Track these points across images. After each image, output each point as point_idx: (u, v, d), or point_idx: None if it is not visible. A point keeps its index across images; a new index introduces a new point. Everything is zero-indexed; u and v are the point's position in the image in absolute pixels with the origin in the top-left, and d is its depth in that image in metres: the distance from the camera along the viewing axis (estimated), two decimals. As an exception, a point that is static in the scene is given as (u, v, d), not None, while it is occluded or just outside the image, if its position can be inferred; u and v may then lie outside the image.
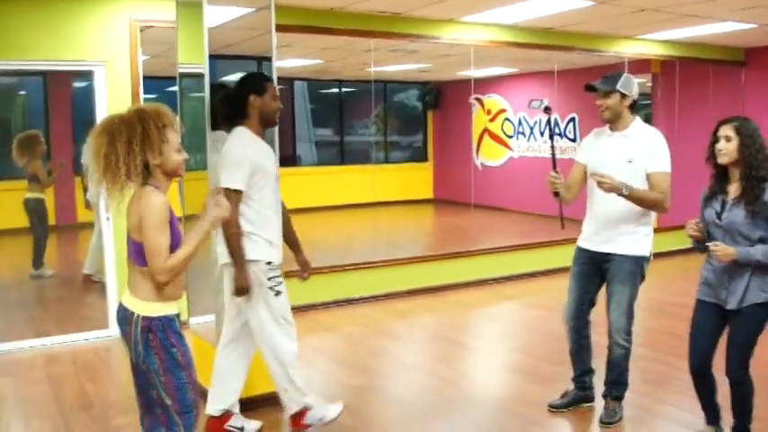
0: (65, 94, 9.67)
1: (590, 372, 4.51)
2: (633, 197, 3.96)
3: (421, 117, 15.92)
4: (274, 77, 4.46)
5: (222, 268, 4.07)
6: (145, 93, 6.22)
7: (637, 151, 4.08)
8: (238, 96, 4.00)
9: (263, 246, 3.97)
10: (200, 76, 4.31)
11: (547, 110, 4.37)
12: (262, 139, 4.02)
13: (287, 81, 13.72)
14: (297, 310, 6.74)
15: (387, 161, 15.38)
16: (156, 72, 8.53)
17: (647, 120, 10.81)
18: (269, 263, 3.98)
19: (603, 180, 3.89)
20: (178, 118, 2.97)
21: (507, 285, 8.15)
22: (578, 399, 4.50)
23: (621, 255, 4.14)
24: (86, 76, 6.16)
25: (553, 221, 4.48)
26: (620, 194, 3.92)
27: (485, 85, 13.50)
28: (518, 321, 6.96)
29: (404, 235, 11.52)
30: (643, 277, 4.22)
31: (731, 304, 3.60)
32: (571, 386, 4.54)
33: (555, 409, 4.47)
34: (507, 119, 13.37)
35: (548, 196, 4.32)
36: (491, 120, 13.73)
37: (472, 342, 6.25)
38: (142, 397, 2.96)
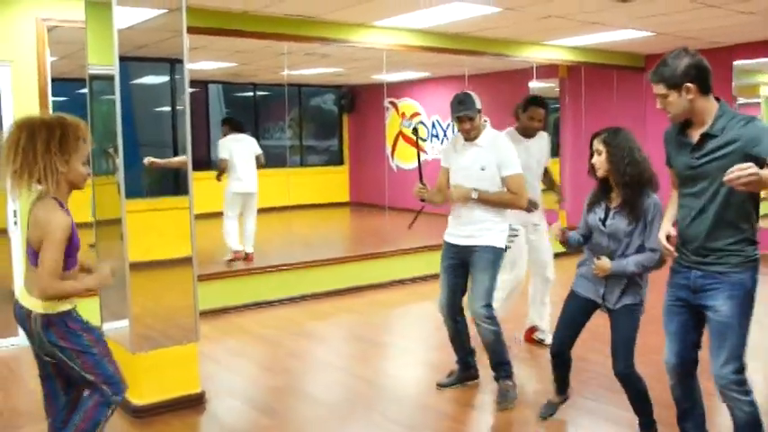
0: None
1: (471, 352, 4.94)
2: (484, 200, 4.52)
3: (336, 121, 15.98)
4: (186, 80, 4.45)
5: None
6: (55, 95, 6.08)
7: (488, 159, 4.55)
8: (516, 109, 5.61)
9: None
10: (111, 77, 4.27)
11: (415, 131, 5.18)
12: (525, 139, 5.52)
13: (201, 84, 13.56)
14: (213, 313, 6.78)
15: (303, 165, 15.38)
16: (66, 74, 8.33)
17: (555, 123, 11.19)
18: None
19: (455, 193, 4.57)
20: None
21: (423, 285, 8.27)
22: (463, 377, 4.94)
23: (482, 246, 4.56)
24: (-8, 76, 5.97)
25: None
26: (471, 199, 4.50)
27: (399, 88, 13.67)
28: (434, 319, 7.05)
29: (320, 238, 11.55)
30: (499, 267, 4.66)
31: (609, 303, 3.83)
32: (456, 366, 4.96)
33: (442, 386, 4.89)
34: (421, 122, 13.57)
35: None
36: (405, 123, 13.92)
37: (390, 341, 6.34)
38: (59, 379, 3.19)
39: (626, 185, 3.67)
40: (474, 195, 4.49)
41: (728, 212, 3.13)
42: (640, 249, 3.72)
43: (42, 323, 2.98)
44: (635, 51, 10.30)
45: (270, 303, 7.31)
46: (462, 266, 4.67)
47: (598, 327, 4.05)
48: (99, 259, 4.71)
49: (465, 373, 4.94)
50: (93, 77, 4.74)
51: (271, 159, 14.73)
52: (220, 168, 8.89)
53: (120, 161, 4.26)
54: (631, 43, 9.30)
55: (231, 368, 5.44)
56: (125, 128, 4.30)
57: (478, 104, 4.52)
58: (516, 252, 5.48)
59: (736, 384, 3.16)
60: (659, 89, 3.14)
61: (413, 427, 4.31)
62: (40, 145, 2.86)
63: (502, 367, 4.64)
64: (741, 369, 3.16)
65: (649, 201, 3.68)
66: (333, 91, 15.72)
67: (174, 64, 4.60)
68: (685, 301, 3.31)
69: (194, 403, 4.54)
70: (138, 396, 4.38)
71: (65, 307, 3.04)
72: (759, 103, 10.24)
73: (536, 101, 5.59)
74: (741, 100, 10.10)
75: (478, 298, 4.53)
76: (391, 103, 14.24)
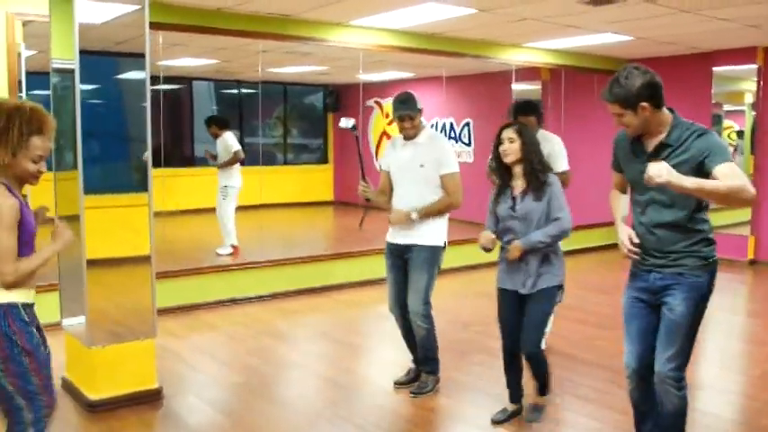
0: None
1: None
2: (425, 216, 4.59)
3: (322, 119, 15.98)
4: (147, 75, 4.45)
5: None
6: (34, 88, 6.12)
7: (427, 157, 4.63)
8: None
9: None
10: (72, 71, 4.27)
11: (354, 129, 5.07)
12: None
13: (185, 80, 13.55)
14: (182, 309, 6.77)
15: (287, 163, 15.39)
16: (45, 67, 8.29)
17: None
18: None
19: (393, 219, 4.65)
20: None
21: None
22: (420, 376, 4.92)
23: (418, 245, 4.64)
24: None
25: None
26: (413, 220, 4.57)
27: (384, 88, 13.69)
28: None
29: (300, 236, 11.56)
30: (439, 266, 4.71)
31: (526, 289, 4.05)
32: (412, 365, 4.98)
33: (399, 385, 4.90)
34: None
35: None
36: (389, 123, 13.91)
37: (357, 340, 6.34)
38: None
39: (534, 172, 4.00)
40: (414, 216, 4.58)
41: (683, 215, 3.22)
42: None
43: None
44: (614, 56, 10.31)
45: (239, 301, 7.31)
46: (402, 264, 4.75)
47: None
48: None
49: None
50: (58, 71, 4.74)
51: (255, 157, 14.81)
52: (238, 160, 8.98)
53: (79, 156, 4.26)
54: (610, 47, 9.32)
55: (194, 365, 5.44)
56: (90, 122, 4.29)
57: (419, 105, 4.68)
58: None
59: (675, 380, 3.28)
60: (615, 108, 3.21)
61: (371, 428, 4.32)
62: None
63: (428, 362, 4.80)
64: (682, 367, 3.29)
65: (548, 180, 4.03)
66: (318, 90, 15.70)
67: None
68: (646, 303, 3.38)
69: (151, 399, 4.54)
70: (94, 390, 4.38)
71: (12, 298, 2.80)
72: (744, 111, 10.25)
73: (521, 109, 5.34)
74: (727, 107, 10.12)
75: (414, 296, 4.63)
76: (376, 102, 14.26)
